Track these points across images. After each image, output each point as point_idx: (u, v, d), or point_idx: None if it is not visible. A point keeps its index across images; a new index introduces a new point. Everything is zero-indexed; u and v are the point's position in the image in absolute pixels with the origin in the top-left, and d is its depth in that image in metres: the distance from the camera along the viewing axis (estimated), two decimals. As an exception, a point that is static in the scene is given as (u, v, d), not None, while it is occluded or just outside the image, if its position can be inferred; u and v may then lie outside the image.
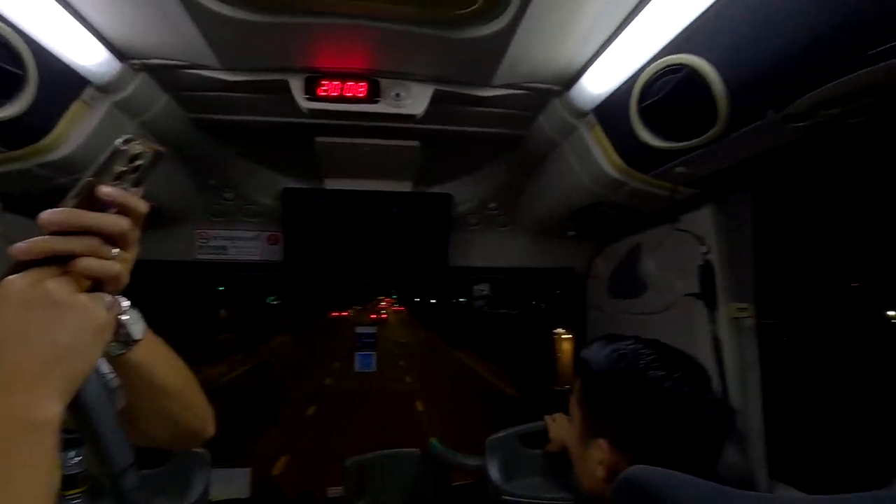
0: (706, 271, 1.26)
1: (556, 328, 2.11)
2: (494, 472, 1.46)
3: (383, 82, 1.26)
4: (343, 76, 1.24)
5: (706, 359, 1.25)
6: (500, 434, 1.51)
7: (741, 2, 0.78)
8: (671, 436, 0.61)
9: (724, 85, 0.87)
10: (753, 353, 1.26)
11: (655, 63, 0.97)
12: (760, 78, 0.83)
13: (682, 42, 0.91)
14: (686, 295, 1.30)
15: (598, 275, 1.82)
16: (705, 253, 1.27)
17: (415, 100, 1.25)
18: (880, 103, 0.79)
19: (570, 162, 1.39)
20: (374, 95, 1.26)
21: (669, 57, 0.94)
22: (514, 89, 1.23)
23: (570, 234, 1.76)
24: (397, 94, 1.25)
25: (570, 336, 2.05)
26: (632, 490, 0.49)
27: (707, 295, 1.26)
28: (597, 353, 0.71)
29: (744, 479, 1.18)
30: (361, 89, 1.25)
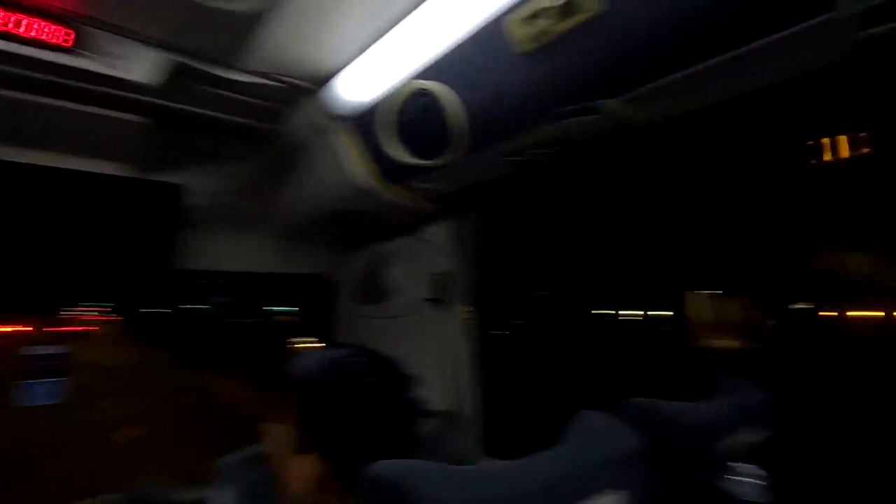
0: (442, 279, 1.42)
1: (305, 336, 2.05)
2: (221, 500, 1.30)
3: (94, 33, 1.00)
4: (28, 10, 0.93)
5: (439, 357, 1.40)
6: (232, 456, 1.36)
7: (483, 48, 0.91)
8: (376, 440, 0.64)
9: (463, 116, 0.99)
10: (475, 350, 1.47)
11: (411, 84, 1.04)
12: (488, 116, 0.98)
13: (434, 70, 1.01)
14: (425, 300, 1.43)
15: (347, 281, 1.85)
16: (442, 262, 1.43)
17: (137, 64, 1.03)
18: (562, 151, 1.02)
19: (322, 166, 1.37)
20: (77, 46, 0.98)
21: (422, 81, 1.02)
22: (265, 78, 1.15)
23: (321, 238, 1.74)
24: (113, 53, 1.01)
25: (321, 344, 2.02)
26: (377, 485, 0.51)
27: (441, 300, 1.41)
28: (308, 365, 0.69)
29: (462, 461, 1.35)
30: (60, 35, 0.97)
